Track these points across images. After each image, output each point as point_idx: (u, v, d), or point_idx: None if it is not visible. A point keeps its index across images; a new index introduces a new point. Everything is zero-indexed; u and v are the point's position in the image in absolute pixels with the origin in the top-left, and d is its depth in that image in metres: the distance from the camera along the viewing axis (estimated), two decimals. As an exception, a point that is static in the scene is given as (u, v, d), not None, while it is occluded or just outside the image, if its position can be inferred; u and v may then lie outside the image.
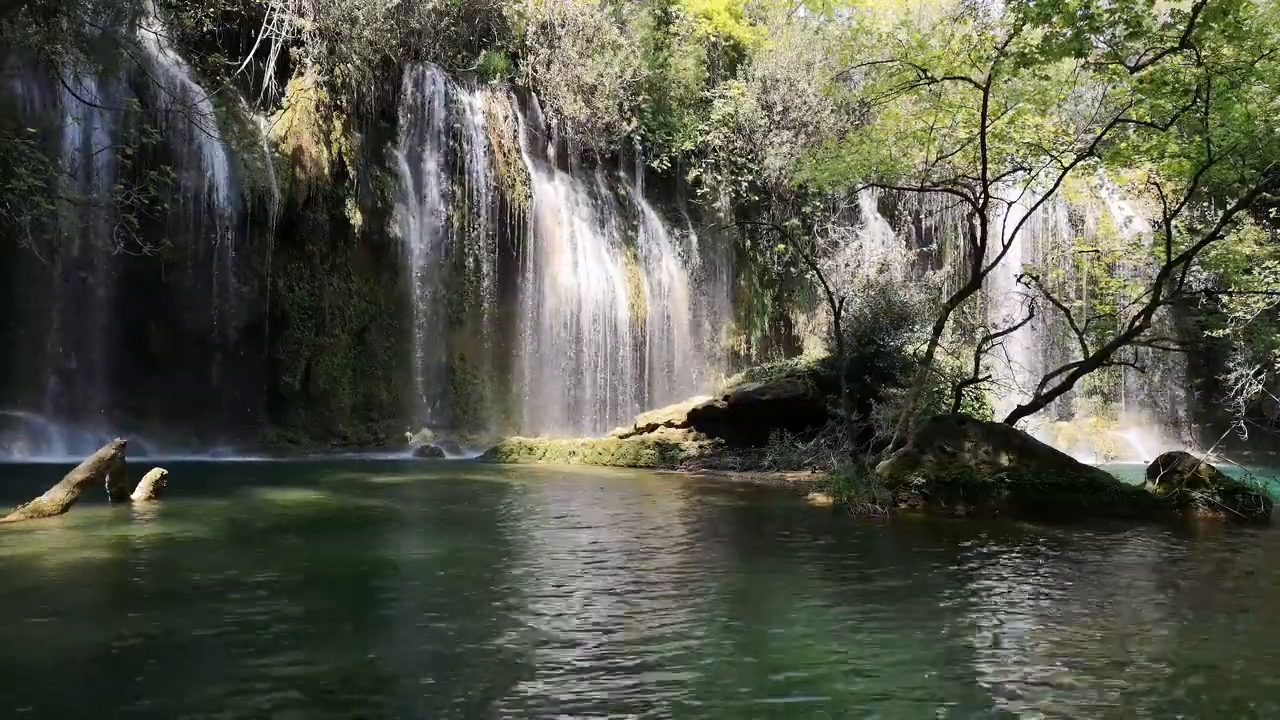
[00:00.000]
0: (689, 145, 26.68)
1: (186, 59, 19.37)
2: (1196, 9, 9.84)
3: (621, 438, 18.96)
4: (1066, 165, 12.92)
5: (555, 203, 24.69)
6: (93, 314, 17.21)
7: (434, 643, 4.46)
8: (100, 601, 5.37)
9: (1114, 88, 13.04)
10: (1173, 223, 12.98)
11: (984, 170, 12.42)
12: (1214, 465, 11.03)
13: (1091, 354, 13.37)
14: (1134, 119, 12.05)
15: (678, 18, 27.66)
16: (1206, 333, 20.64)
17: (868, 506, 9.78)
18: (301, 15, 20.58)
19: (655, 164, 26.57)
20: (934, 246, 28.90)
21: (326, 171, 20.54)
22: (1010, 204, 13.86)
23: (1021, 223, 13.75)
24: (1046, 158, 13.48)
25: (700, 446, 17.73)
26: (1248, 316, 19.62)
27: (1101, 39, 11.14)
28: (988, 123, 11.99)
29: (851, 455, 11.57)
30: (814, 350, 25.37)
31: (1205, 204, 20.21)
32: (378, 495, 11.46)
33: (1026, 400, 12.89)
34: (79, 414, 16.79)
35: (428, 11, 23.03)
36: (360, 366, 21.50)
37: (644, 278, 25.84)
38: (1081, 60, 11.49)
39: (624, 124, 25.69)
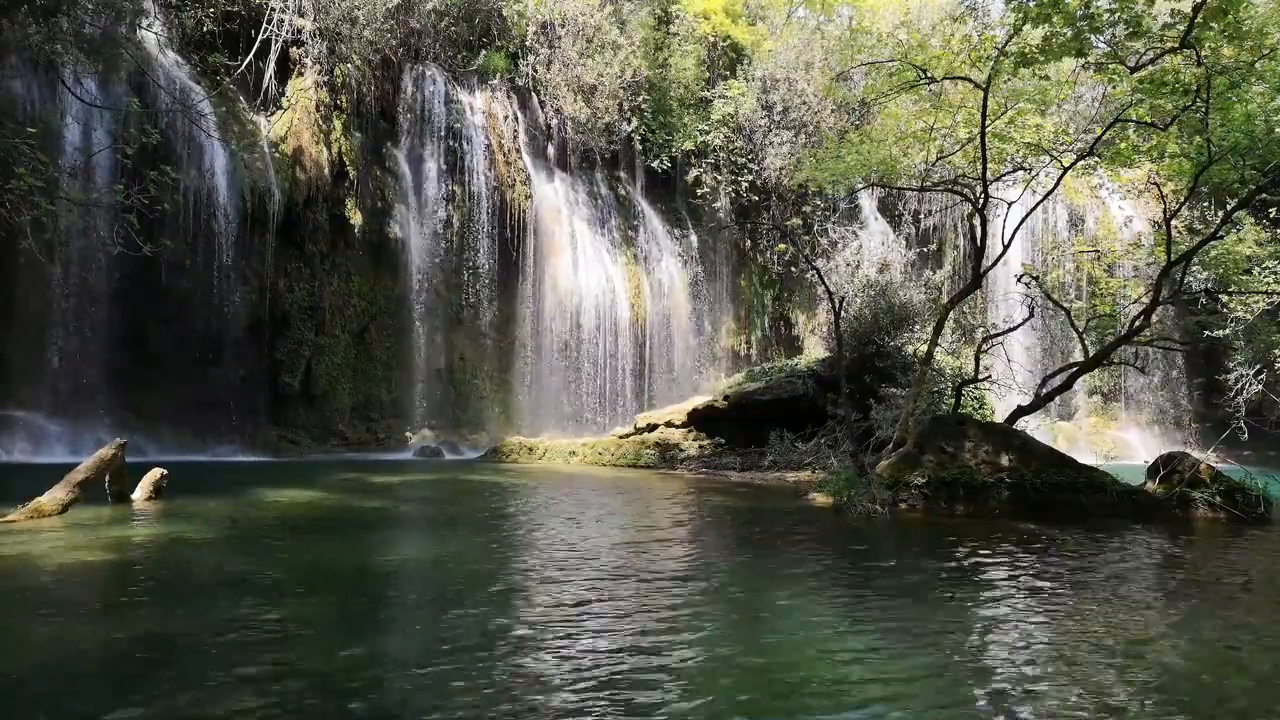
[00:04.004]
0: (689, 145, 26.68)
1: (186, 59, 19.37)
2: (1196, 9, 9.84)
3: (621, 438, 18.95)
4: (1066, 165, 12.93)
5: (555, 203, 24.68)
6: (93, 314, 17.21)
7: (433, 641, 4.46)
8: (100, 601, 5.36)
9: (1114, 88, 13.04)
10: (1173, 223, 12.98)
11: (984, 170, 12.43)
12: (1214, 465, 11.03)
13: (1091, 354, 13.38)
14: (1134, 119, 12.05)
15: (677, 18, 27.65)
16: (1206, 333, 20.65)
17: (868, 506, 9.77)
18: (301, 15, 20.59)
19: (655, 164, 26.56)
20: (934, 246, 28.89)
21: (326, 171, 20.53)
22: (1010, 204, 13.86)
23: (1021, 223, 13.76)
24: (1046, 158, 13.49)
25: (700, 446, 17.73)
26: (1248, 316, 19.63)
27: (1101, 39, 11.14)
28: (988, 123, 12.00)
29: (851, 455, 11.56)
30: (814, 350, 25.37)
31: (1205, 204, 20.20)
32: (378, 495, 11.46)
33: (1026, 400, 12.89)
34: (79, 414, 16.78)
35: (428, 11, 23.04)
36: (360, 366, 21.49)
37: (644, 278, 25.83)
38: (1081, 60, 11.50)
39: (624, 124, 25.69)
